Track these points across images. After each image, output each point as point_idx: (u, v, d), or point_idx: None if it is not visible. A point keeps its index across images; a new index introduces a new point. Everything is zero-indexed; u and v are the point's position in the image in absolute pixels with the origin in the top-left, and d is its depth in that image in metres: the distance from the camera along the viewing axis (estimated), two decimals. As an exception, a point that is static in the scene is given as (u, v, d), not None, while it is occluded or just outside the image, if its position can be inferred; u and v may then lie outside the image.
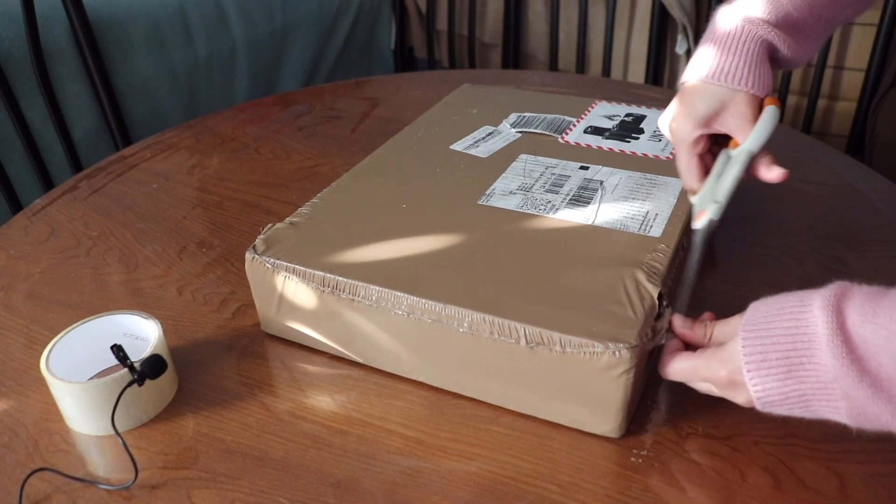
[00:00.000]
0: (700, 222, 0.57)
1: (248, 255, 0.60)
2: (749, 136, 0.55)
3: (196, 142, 1.00)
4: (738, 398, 0.47)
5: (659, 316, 0.52)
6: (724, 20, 0.57)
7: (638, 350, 0.49)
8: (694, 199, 0.58)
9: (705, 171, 0.59)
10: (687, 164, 0.59)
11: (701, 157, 0.58)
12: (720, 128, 0.57)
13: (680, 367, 0.50)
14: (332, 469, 0.52)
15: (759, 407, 0.45)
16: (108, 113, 1.32)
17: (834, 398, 0.41)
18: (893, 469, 0.50)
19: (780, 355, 0.43)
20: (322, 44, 1.80)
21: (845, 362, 0.40)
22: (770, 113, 0.55)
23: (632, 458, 0.51)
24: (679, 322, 0.51)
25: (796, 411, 0.44)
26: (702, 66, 0.56)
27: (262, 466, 0.52)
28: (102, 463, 0.53)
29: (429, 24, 1.95)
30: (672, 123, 0.58)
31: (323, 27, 1.78)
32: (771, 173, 0.56)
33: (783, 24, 0.55)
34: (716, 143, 0.59)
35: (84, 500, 0.50)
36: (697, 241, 0.57)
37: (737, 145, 0.56)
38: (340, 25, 1.84)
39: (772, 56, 0.57)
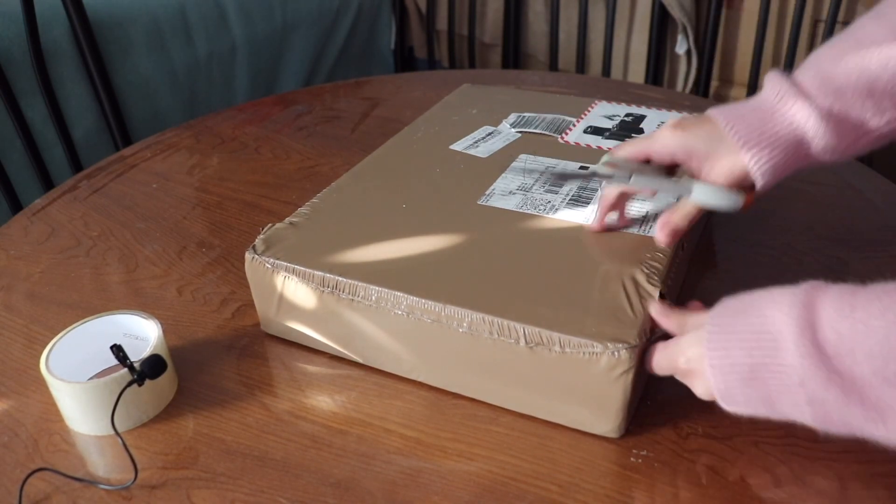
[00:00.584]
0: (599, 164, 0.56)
1: (248, 256, 0.60)
2: (705, 184, 0.54)
3: (196, 142, 1.00)
4: (697, 388, 0.47)
5: None
6: (773, 84, 0.53)
7: (637, 350, 0.49)
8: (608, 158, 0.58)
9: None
10: (637, 149, 0.57)
11: (649, 158, 0.57)
12: (694, 163, 0.55)
13: (657, 359, 0.49)
14: (332, 469, 0.52)
15: (722, 405, 0.44)
16: (108, 113, 1.32)
17: (799, 402, 0.40)
18: (893, 469, 0.50)
19: (744, 353, 0.42)
20: (322, 44, 1.80)
21: (813, 362, 0.38)
22: (736, 197, 0.53)
23: (632, 458, 0.51)
24: (655, 309, 0.51)
25: (761, 411, 0.43)
26: (736, 117, 0.53)
27: (262, 466, 0.52)
28: (102, 463, 0.53)
29: (429, 24, 1.95)
30: (674, 129, 0.55)
31: (323, 27, 1.78)
32: (661, 232, 0.56)
33: (833, 107, 0.50)
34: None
35: (84, 500, 0.50)
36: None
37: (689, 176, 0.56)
38: (340, 25, 1.84)
39: (802, 151, 0.52)
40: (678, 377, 0.49)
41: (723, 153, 0.53)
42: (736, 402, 0.44)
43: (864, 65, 0.50)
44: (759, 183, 0.53)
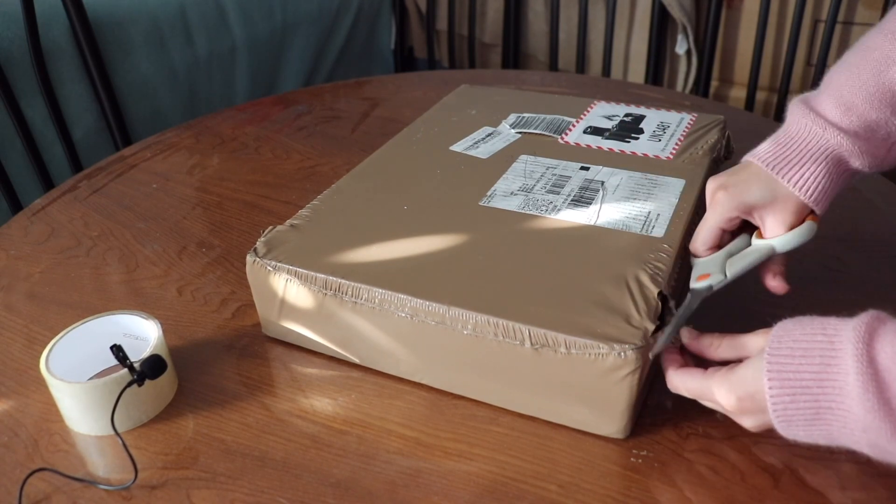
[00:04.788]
0: (700, 284, 0.55)
1: (250, 258, 0.60)
2: (782, 237, 0.54)
3: (196, 142, 1.00)
4: (746, 423, 0.47)
5: (662, 316, 0.52)
6: (796, 118, 0.54)
7: (643, 351, 0.49)
8: (698, 262, 0.57)
9: (718, 243, 0.57)
10: (709, 231, 0.56)
11: (723, 230, 0.56)
12: (757, 219, 0.55)
13: (689, 386, 0.49)
14: (332, 469, 0.52)
15: (782, 434, 0.45)
16: (108, 113, 1.32)
17: (860, 442, 0.41)
18: (893, 469, 0.50)
19: (810, 400, 0.42)
20: (322, 44, 1.80)
21: (878, 416, 0.39)
22: (809, 228, 0.54)
23: (632, 459, 0.51)
24: (686, 335, 0.52)
25: (820, 443, 0.44)
26: (773, 157, 0.54)
27: (262, 466, 0.52)
28: (102, 463, 0.53)
29: (429, 24, 1.95)
30: (720, 192, 0.55)
31: (323, 27, 1.78)
32: (774, 281, 0.55)
33: (859, 129, 0.52)
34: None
35: (84, 500, 0.50)
36: (690, 300, 0.54)
37: (761, 236, 0.55)
38: (340, 25, 1.84)
39: (844, 167, 0.54)
40: (719, 409, 0.49)
41: (777, 197, 0.53)
42: (797, 437, 0.44)
43: (881, 81, 0.51)
44: (814, 205, 0.53)
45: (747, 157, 0.56)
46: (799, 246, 0.54)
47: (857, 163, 0.53)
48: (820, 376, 0.41)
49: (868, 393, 0.39)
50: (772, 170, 0.53)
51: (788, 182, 0.53)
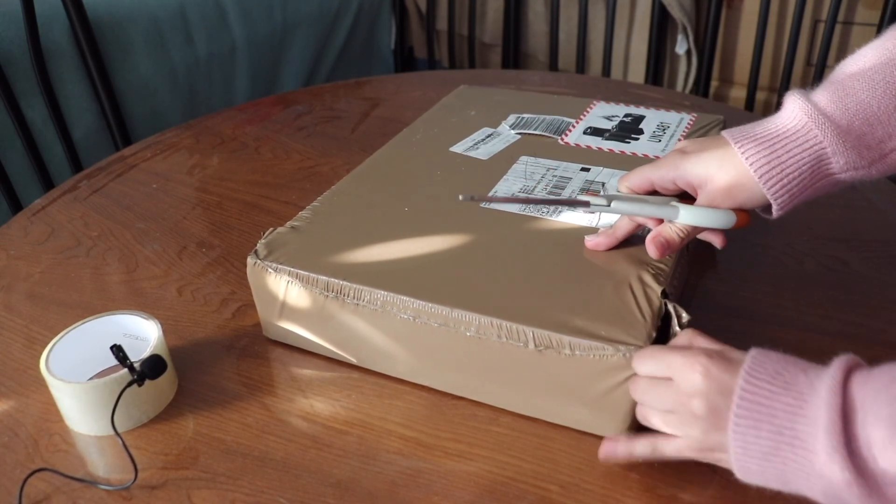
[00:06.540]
0: (582, 195, 0.55)
1: (250, 261, 0.60)
2: (693, 207, 0.52)
3: (196, 142, 1.00)
4: (697, 407, 0.43)
5: (665, 315, 0.52)
6: (785, 106, 0.50)
7: None
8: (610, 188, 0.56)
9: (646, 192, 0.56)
10: (639, 177, 0.55)
11: (653, 184, 0.55)
12: (696, 189, 0.53)
13: (650, 365, 0.46)
14: (332, 469, 0.52)
15: (738, 475, 0.43)
16: (108, 113, 1.32)
17: (812, 487, 0.40)
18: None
19: (773, 431, 0.40)
20: (322, 44, 1.80)
21: (842, 454, 0.37)
22: (723, 217, 0.52)
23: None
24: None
25: (770, 480, 0.42)
26: (740, 137, 0.50)
27: (262, 466, 0.52)
28: (102, 463, 0.53)
29: (429, 24, 1.95)
30: (676, 153, 0.54)
31: (323, 27, 1.78)
32: (652, 245, 0.54)
33: (854, 118, 0.48)
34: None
35: (84, 500, 0.50)
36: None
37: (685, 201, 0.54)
38: (340, 25, 1.84)
39: (821, 167, 0.49)
40: (659, 423, 0.46)
41: (725, 174, 0.51)
42: (751, 474, 0.43)
43: (889, 72, 0.48)
44: (776, 207, 0.50)
45: (723, 132, 0.52)
46: (708, 227, 0.53)
47: (838, 162, 0.48)
48: (792, 407, 0.39)
49: (838, 453, 0.37)
50: (741, 151, 0.50)
51: (755, 173, 0.49)
